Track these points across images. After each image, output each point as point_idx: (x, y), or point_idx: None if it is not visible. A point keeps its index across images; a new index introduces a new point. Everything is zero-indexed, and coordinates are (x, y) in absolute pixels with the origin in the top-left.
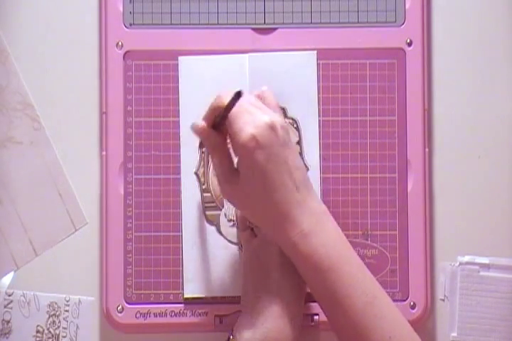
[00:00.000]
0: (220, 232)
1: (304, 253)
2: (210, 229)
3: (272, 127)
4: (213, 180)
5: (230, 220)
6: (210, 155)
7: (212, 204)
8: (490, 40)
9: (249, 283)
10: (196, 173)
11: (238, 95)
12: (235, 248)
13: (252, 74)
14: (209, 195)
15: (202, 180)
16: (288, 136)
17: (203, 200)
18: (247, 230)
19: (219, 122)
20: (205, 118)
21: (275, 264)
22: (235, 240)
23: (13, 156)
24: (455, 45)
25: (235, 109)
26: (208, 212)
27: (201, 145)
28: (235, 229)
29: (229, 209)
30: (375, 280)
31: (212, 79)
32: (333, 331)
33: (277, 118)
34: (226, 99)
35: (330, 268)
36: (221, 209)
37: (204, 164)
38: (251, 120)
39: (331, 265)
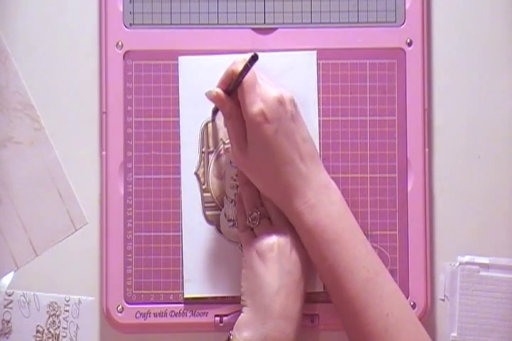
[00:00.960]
0: (220, 232)
1: (309, 223)
2: (210, 229)
3: (280, 101)
4: (213, 180)
5: (229, 220)
6: (224, 123)
7: (212, 204)
8: (490, 40)
9: (248, 283)
10: (196, 173)
11: (254, 59)
12: (235, 248)
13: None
14: (209, 194)
15: (202, 180)
16: (296, 110)
17: (203, 200)
18: (247, 230)
19: (233, 88)
20: (220, 84)
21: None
22: (234, 240)
23: (13, 156)
24: (455, 45)
25: (246, 80)
26: (208, 212)
27: (215, 112)
28: (235, 229)
29: (229, 209)
30: (377, 257)
31: (212, 79)
32: (334, 305)
33: (286, 93)
34: (241, 66)
35: (334, 239)
36: (221, 209)
37: (204, 164)
38: (260, 93)
39: (335, 236)
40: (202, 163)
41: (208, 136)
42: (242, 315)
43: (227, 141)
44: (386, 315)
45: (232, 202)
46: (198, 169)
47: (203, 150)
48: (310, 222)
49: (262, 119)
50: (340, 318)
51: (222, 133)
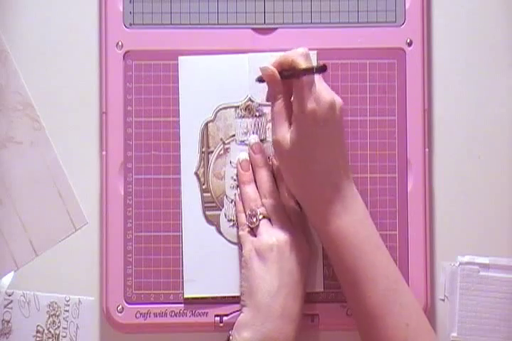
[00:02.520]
0: (220, 232)
1: (332, 229)
2: (210, 229)
3: (331, 106)
4: (213, 180)
5: (230, 220)
6: (271, 104)
7: (212, 204)
8: (490, 40)
9: (248, 283)
10: (196, 173)
11: (322, 69)
12: (234, 248)
13: (252, 74)
14: (209, 194)
15: (202, 180)
16: (341, 119)
17: (203, 200)
18: (246, 230)
19: (287, 77)
20: (275, 64)
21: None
22: (234, 240)
23: (13, 156)
24: (455, 45)
25: (307, 77)
26: (208, 212)
27: (260, 81)
28: (234, 229)
29: (229, 209)
30: (396, 266)
31: (212, 79)
32: (352, 312)
33: (338, 99)
34: (303, 62)
35: (356, 246)
36: (221, 209)
37: (204, 164)
38: (314, 92)
39: (356, 243)
40: (202, 163)
41: (208, 136)
42: (241, 315)
43: (227, 141)
44: (405, 325)
45: (232, 202)
46: (198, 169)
47: (203, 150)
48: (333, 227)
49: (311, 117)
50: (358, 326)
51: (222, 133)
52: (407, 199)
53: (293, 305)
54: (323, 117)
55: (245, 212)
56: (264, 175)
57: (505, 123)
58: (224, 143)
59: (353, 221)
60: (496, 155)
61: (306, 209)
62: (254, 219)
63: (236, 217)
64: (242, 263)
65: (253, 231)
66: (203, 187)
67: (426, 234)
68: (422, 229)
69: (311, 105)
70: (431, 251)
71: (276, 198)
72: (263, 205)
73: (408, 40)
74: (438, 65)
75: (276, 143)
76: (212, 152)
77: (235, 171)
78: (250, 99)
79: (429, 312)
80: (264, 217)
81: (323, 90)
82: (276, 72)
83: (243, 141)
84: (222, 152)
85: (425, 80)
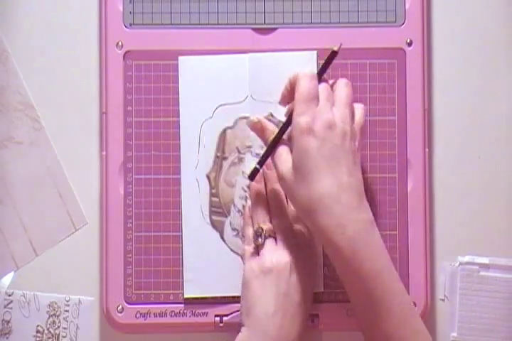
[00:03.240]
0: (223, 239)
1: (347, 256)
2: (214, 234)
3: (330, 126)
4: (223, 186)
5: (234, 229)
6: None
7: (219, 210)
8: (490, 39)
9: (246, 303)
10: (208, 176)
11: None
12: (236, 257)
13: (252, 74)
14: (217, 200)
15: (212, 184)
16: (346, 142)
17: (211, 204)
18: (252, 246)
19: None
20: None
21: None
22: (237, 250)
23: (13, 156)
24: (455, 45)
25: (306, 91)
26: (213, 217)
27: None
28: (238, 239)
29: (235, 218)
30: (407, 294)
31: (212, 79)
32: (363, 334)
33: (344, 125)
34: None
35: (373, 276)
36: (227, 217)
37: (217, 168)
38: (315, 109)
39: (374, 273)
40: (215, 166)
41: (224, 142)
42: (240, 334)
43: (243, 151)
44: None
45: (239, 211)
46: (210, 172)
47: (218, 154)
48: (348, 254)
49: (307, 130)
50: None
51: (239, 142)
52: (407, 199)
53: (290, 328)
54: (321, 134)
55: (253, 226)
56: (274, 192)
57: (505, 123)
58: (239, 152)
59: (369, 250)
60: (496, 155)
61: (314, 231)
62: (260, 239)
63: (243, 229)
64: (242, 281)
65: (257, 248)
66: (213, 191)
67: (426, 234)
68: (422, 229)
69: (306, 118)
70: (431, 251)
71: (285, 217)
72: (271, 222)
73: (408, 40)
74: (438, 65)
75: (280, 178)
76: (226, 158)
77: (247, 182)
78: (271, 115)
79: (429, 312)
80: (270, 235)
81: (324, 109)
82: (260, 119)
83: (259, 154)
84: (236, 160)
85: (425, 80)
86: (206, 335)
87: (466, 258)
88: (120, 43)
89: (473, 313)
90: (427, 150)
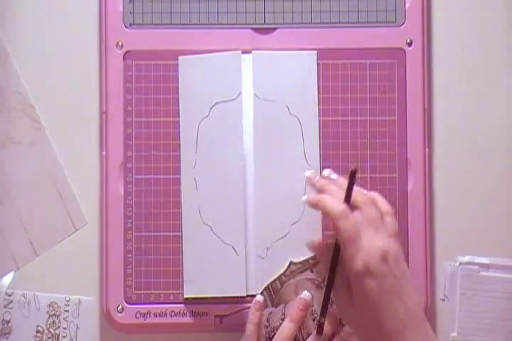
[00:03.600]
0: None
1: None
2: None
3: (384, 258)
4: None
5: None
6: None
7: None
8: (490, 40)
9: None
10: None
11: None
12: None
13: (256, 72)
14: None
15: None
16: (399, 266)
17: None
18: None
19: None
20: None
21: None
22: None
23: (13, 156)
24: (455, 44)
25: (349, 230)
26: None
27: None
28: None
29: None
30: None
31: (209, 78)
32: None
33: (390, 246)
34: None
35: None
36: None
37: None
38: (363, 247)
39: None
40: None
41: (273, 295)
42: None
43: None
44: None
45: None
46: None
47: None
48: None
49: (365, 275)
50: None
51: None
52: (407, 199)
53: None
54: (378, 271)
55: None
56: (287, 329)
57: (505, 123)
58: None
59: None
60: (496, 155)
61: None
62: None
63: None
64: None
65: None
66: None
67: (426, 234)
68: (422, 229)
69: (361, 262)
70: (431, 251)
71: None
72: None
73: (408, 40)
74: (438, 65)
75: (340, 305)
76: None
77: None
78: (312, 258)
79: (429, 312)
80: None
81: (371, 242)
82: (320, 241)
83: None
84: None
85: (425, 80)
86: (206, 335)
87: (466, 258)
88: (120, 43)
89: (473, 313)
90: (427, 150)
